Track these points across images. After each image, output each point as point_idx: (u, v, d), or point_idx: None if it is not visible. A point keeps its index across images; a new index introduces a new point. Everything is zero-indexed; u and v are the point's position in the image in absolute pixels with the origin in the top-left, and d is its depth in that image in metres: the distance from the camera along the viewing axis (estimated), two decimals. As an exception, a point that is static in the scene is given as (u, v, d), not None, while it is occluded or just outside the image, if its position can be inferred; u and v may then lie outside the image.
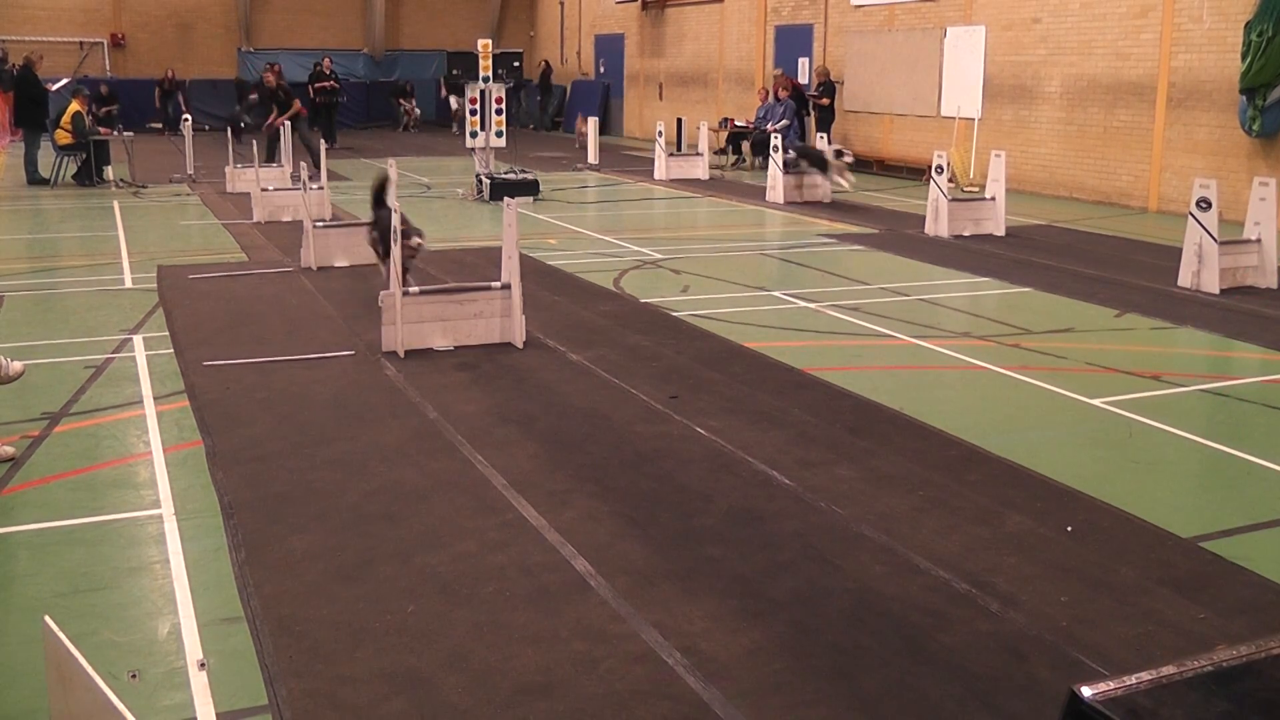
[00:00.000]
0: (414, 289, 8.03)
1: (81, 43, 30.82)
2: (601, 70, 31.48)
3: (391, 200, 8.78)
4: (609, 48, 31.19)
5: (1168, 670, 2.54)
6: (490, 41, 16.78)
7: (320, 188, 13.74)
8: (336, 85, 26.46)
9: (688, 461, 5.86)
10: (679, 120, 23.14)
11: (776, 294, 10.23)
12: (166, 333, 8.53)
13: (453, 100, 30.31)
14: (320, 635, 4.03)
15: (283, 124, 18.70)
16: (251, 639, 4.02)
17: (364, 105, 32.57)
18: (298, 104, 20.71)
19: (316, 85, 25.92)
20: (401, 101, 32.44)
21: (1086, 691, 2.42)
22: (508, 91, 17.38)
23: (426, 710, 3.58)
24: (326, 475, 5.61)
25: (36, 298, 10.00)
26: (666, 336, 8.51)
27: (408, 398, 6.92)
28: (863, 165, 21.48)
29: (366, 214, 9.97)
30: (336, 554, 4.71)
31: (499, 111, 16.53)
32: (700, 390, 7.12)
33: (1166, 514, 5.21)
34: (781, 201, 16.50)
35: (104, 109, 25.04)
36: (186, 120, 20.59)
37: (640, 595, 4.35)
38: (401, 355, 7.80)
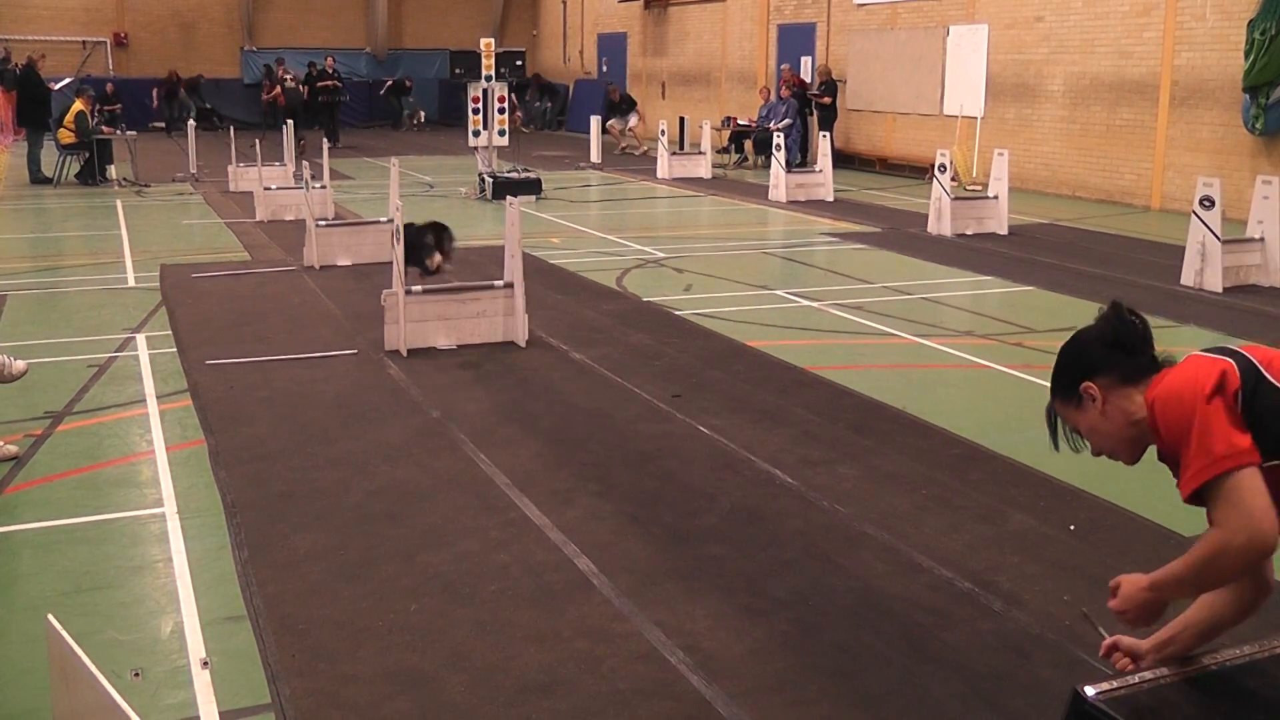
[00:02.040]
0: (417, 288, 8.04)
1: (84, 42, 30.83)
2: (604, 69, 31.46)
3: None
4: (611, 47, 31.18)
5: (1170, 669, 2.54)
6: (493, 40, 16.78)
7: (323, 186, 13.74)
8: (339, 84, 26.49)
9: (690, 460, 5.86)
10: (681, 119, 23.09)
11: (779, 293, 10.23)
12: (169, 332, 8.53)
13: (614, 123, 24.94)
14: (323, 634, 4.03)
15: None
16: (254, 638, 4.02)
17: (366, 104, 32.56)
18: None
19: (319, 84, 25.97)
20: (392, 100, 32.17)
21: (1089, 690, 2.42)
22: (510, 88, 17.38)
23: (429, 709, 3.58)
24: (329, 474, 5.61)
25: (39, 297, 10.01)
26: (669, 335, 8.51)
27: (410, 397, 6.92)
28: (865, 164, 21.49)
29: (371, 213, 9.96)
30: (339, 553, 4.71)
31: (502, 110, 16.53)
32: (703, 389, 7.11)
33: (1169, 512, 5.19)
34: (784, 200, 16.49)
35: (107, 108, 25.05)
36: (189, 123, 20.63)
37: (643, 594, 4.35)
38: (404, 354, 7.80)
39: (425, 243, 8.99)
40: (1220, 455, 2.41)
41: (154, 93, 29.65)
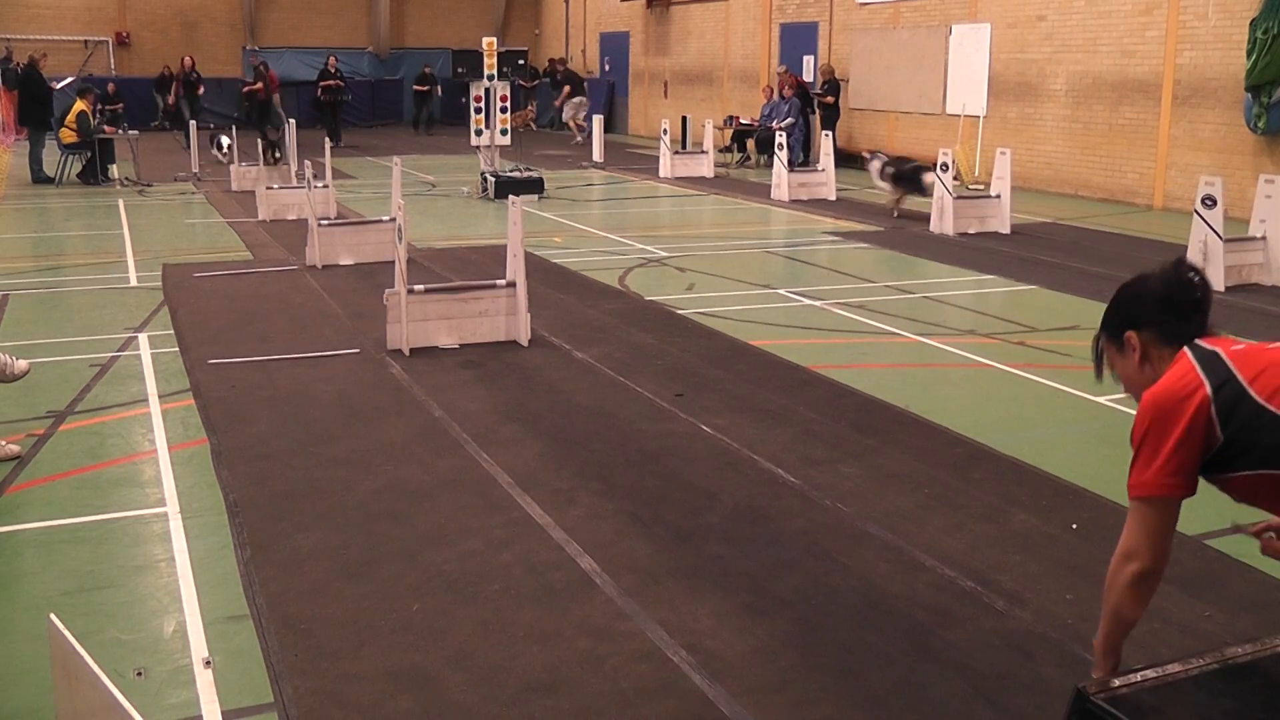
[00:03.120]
0: (419, 287, 8.04)
1: (86, 41, 30.84)
2: (607, 68, 31.46)
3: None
4: (614, 46, 31.17)
5: (1173, 668, 2.53)
6: (495, 39, 16.78)
7: (325, 185, 13.75)
8: (342, 84, 26.47)
9: (693, 459, 5.86)
10: (684, 118, 23.09)
11: (782, 292, 10.23)
12: (171, 331, 8.53)
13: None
14: (325, 633, 4.03)
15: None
16: (257, 637, 4.03)
17: (369, 104, 32.54)
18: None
19: (322, 84, 25.95)
20: (421, 88, 31.08)
21: (1092, 689, 2.42)
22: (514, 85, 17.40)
23: (432, 708, 3.58)
24: (331, 473, 5.61)
25: (41, 296, 10.01)
26: (671, 334, 8.51)
27: (413, 396, 6.92)
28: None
29: (373, 212, 9.98)
30: (341, 552, 4.71)
31: (504, 109, 16.52)
32: (705, 388, 7.11)
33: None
34: (786, 199, 16.49)
35: (109, 107, 25.01)
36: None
37: (645, 593, 4.35)
38: (406, 353, 7.80)
39: (266, 137, 17.66)
40: (1132, 483, 2.73)
41: (172, 87, 28.79)
